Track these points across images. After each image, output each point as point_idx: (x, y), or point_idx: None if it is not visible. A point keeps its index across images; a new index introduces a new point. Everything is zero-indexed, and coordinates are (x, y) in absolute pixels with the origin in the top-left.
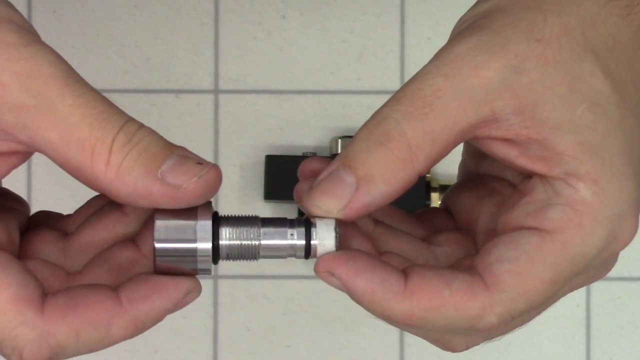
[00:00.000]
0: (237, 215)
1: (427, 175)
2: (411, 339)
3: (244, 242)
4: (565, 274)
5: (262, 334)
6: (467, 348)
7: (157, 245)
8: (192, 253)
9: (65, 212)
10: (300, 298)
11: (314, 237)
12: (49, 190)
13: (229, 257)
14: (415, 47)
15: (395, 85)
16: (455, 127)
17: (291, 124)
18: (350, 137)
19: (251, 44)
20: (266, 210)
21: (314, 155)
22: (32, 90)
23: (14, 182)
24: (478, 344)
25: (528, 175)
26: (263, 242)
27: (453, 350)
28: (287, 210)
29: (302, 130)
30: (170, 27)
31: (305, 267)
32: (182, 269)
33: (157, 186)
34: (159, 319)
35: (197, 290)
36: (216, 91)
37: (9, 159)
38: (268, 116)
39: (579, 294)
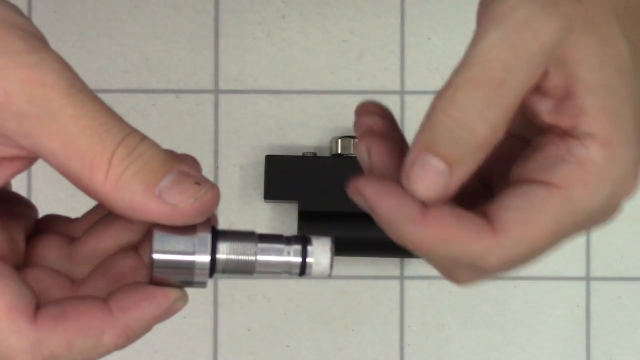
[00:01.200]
0: (234, 230)
1: None
2: (411, 338)
3: (240, 257)
4: (567, 225)
5: (262, 334)
6: (470, 283)
7: (155, 256)
8: (190, 266)
9: (65, 213)
10: (300, 298)
11: (310, 256)
12: (49, 191)
13: (224, 272)
14: (415, 47)
15: (396, 85)
16: (523, 94)
17: (291, 124)
18: (350, 137)
19: (251, 44)
20: (266, 210)
21: (314, 155)
22: (35, 99)
23: (14, 182)
24: (482, 281)
25: (543, 132)
26: (259, 258)
27: (457, 282)
28: (286, 210)
29: (302, 130)
30: (170, 27)
31: None
32: (176, 282)
33: (154, 204)
34: (148, 327)
35: (184, 299)
36: (216, 91)
37: (12, 164)
38: (268, 116)
39: (579, 294)
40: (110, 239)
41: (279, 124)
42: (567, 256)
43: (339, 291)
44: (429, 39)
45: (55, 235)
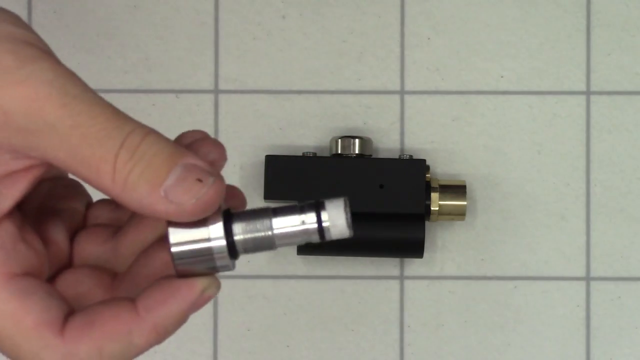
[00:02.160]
0: (248, 209)
1: (427, 175)
2: (411, 338)
3: (257, 235)
4: None
5: (262, 334)
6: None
7: (174, 250)
8: (209, 252)
9: None
10: (300, 298)
11: (325, 220)
12: None
13: (247, 251)
14: (415, 47)
15: (396, 85)
16: None
17: (291, 124)
18: (350, 137)
19: (251, 44)
20: None
21: (314, 155)
22: (32, 115)
23: None
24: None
25: None
26: (276, 231)
27: None
28: None
29: (302, 130)
30: (170, 27)
31: (305, 267)
32: (203, 270)
33: (161, 205)
34: (180, 321)
35: (215, 285)
36: (216, 91)
37: (28, 173)
38: (268, 116)
39: (579, 294)
40: (147, 230)
41: (279, 124)
42: (567, 256)
43: (339, 291)
44: (429, 39)
45: (100, 230)
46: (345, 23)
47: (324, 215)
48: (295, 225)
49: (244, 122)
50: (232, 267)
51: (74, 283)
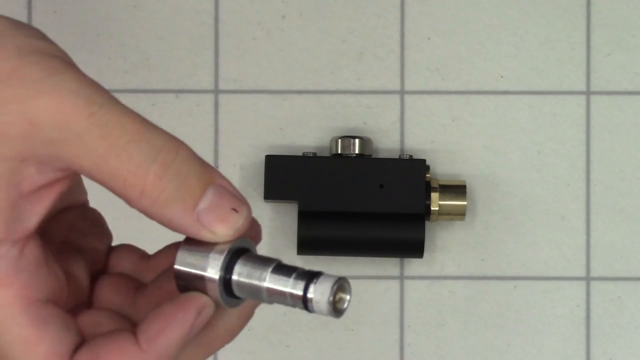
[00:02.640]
0: (260, 255)
1: (427, 175)
2: (411, 338)
3: (250, 282)
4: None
5: (262, 334)
6: None
7: (176, 267)
8: (201, 280)
9: None
10: None
11: (310, 292)
12: None
13: (241, 294)
14: (415, 47)
15: (396, 85)
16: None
17: (291, 124)
18: (350, 137)
19: (251, 44)
20: (266, 210)
21: (314, 155)
22: (59, 125)
23: None
24: None
25: None
26: (266, 285)
27: None
28: (287, 209)
29: (302, 130)
30: (170, 27)
31: (305, 267)
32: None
33: (194, 228)
34: (182, 345)
35: (209, 305)
36: (216, 91)
37: (52, 188)
38: (268, 116)
39: (578, 294)
40: (174, 291)
41: (279, 124)
42: (567, 256)
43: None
44: (429, 39)
45: (123, 280)
46: (345, 23)
47: (311, 289)
48: (285, 288)
49: (244, 122)
50: (227, 304)
51: (94, 323)
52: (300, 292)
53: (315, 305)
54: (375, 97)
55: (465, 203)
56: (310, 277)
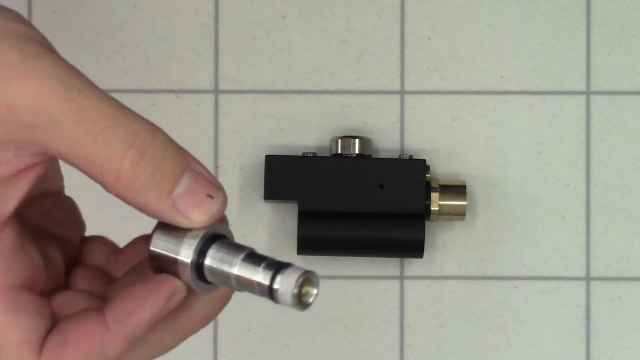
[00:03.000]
0: (235, 242)
1: (427, 175)
2: (411, 338)
3: (220, 267)
4: None
5: (262, 334)
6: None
7: (152, 248)
8: (175, 263)
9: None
10: None
11: (276, 283)
12: None
13: (212, 279)
14: (415, 47)
15: (396, 85)
16: None
17: (291, 124)
18: (350, 137)
19: (251, 44)
20: (266, 210)
21: (314, 155)
22: (36, 109)
23: None
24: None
25: None
26: (235, 272)
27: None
28: (287, 209)
29: (302, 130)
30: (170, 27)
31: (304, 266)
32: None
33: (169, 213)
34: (149, 327)
35: (182, 289)
36: (216, 91)
37: (29, 172)
38: (268, 116)
39: (578, 294)
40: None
41: (279, 124)
42: (567, 256)
43: (339, 291)
44: (429, 39)
45: (96, 272)
46: (345, 23)
47: (278, 280)
48: (253, 276)
49: (244, 122)
50: (200, 289)
51: (70, 304)
52: (266, 282)
53: (280, 297)
54: (375, 97)
55: (465, 203)
56: (278, 267)
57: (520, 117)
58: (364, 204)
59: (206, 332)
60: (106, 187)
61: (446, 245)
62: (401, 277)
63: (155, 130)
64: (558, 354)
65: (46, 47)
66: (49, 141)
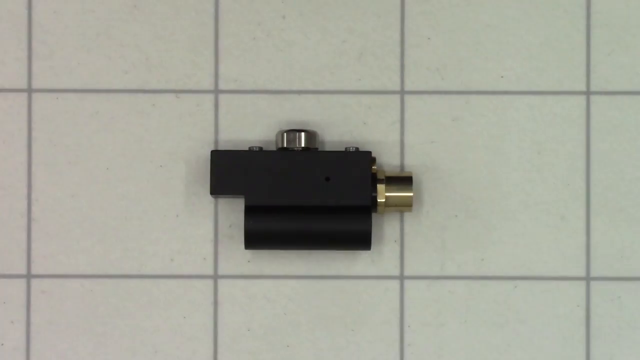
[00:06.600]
0: None
1: (374, 167)
2: (411, 338)
3: None
4: None
5: (262, 334)
6: None
7: None
8: None
9: (65, 213)
10: (300, 298)
11: None
12: (49, 190)
13: None
14: (415, 47)
15: (396, 85)
16: None
17: (291, 124)
18: (296, 130)
19: (251, 44)
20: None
21: (260, 149)
22: None
23: (14, 182)
24: None
25: None
26: None
27: None
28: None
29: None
30: (170, 27)
31: (305, 267)
32: None
33: None
34: None
35: None
36: (216, 91)
37: None
38: (268, 116)
39: (578, 294)
40: None
41: (279, 124)
42: (567, 256)
43: (339, 291)
44: (429, 39)
45: None
46: (345, 23)
47: None
48: None
49: (244, 122)
50: None
51: None
52: None
53: None
54: (375, 97)
55: (411, 194)
56: None
57: (520, 117)
58: (310, 197)
59: (206, 332)
60: None
61: (446, 245)
62: (401, 277)
63: None
64: (558, 354)
65: None
66: None
